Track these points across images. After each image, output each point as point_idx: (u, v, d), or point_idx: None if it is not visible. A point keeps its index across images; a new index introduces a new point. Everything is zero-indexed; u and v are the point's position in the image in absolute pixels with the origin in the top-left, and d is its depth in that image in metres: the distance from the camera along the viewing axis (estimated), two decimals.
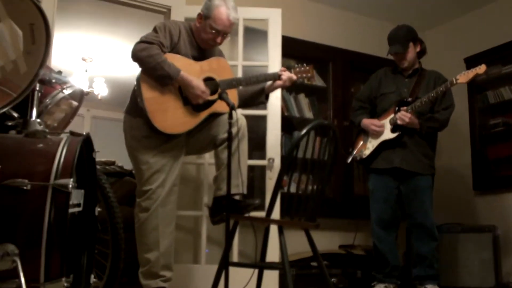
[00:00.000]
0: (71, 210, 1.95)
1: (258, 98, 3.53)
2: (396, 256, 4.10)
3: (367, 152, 4.16)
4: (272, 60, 4.34)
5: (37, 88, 2.27)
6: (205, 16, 3.24)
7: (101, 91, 7.73)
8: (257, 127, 4.35)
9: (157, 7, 4.61)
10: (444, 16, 5.68)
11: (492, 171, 5.07)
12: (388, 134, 4.06)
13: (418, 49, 4.17)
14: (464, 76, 3.77)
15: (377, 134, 4.10)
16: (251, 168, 4.20)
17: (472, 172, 5.16)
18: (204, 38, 3.28)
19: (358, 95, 4.45)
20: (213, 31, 3.23)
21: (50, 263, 1.81)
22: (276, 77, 3.40)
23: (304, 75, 3.44)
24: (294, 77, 3.40)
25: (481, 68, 3.74)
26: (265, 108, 4.22)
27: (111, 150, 6.01)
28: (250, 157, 3.71)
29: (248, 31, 4.51)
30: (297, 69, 3.44)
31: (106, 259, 3.00)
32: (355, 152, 4.25)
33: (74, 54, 7.29)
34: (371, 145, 4.14)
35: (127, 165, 4.16)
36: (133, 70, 3.21)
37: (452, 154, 5.41)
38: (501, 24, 5.18)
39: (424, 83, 4.11)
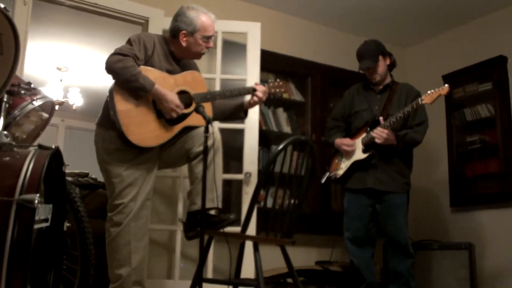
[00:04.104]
0: (37, 226, 1.88)
1: (237, 113, 3.51)
2: (371, 273, 4.06)
3: (340, 172, 4.13)
4: (251, 73, 4.31)
5: (5, 99, 2.20)
6: (191, 32, 3.23)
7: (76, 101, 7.63)
8: (234, 141, 4.31)
9: (135, 18, 4.55)
10: (423, 34, 5.74)
11: (469, 188, 5.07)
12: (359, 154, 4.03)
13: (388, 62, 4.16)
14: (429, 97, 3.74)
15: (349, 154, 4.08)
16: (227, 183, 4.14)
17: (449, 189, 5.17)
18: (198, 51, 3.30)
19: (332, 114, 4.43)
20: (206, 40, 3.27)
21: (11, 283, 1.72)
22: (251, 91, 3.38)
23: (277, 90, 3.44)
24: (266, 88, 3.39)
25: (444, 89, 3.72)
26: (242, 122, 4.18)
27: (86, 160, 5.93)
28: (227, 170, 3.65)
29: (227, 44, 4.48)
30: (271, 84, 3.45)
31: (75, 275, 2.91)
32: (330, 171, 4.23)
33: (49, 63, 7.18)
34: (344, 165, 4.12)
35: (101, 176, 4.07)
36: (109, 81, 3.15)
37: (430, 171, 5.42)
38: (478, 43, 5.24)
39: (396, 98, 4.08)
